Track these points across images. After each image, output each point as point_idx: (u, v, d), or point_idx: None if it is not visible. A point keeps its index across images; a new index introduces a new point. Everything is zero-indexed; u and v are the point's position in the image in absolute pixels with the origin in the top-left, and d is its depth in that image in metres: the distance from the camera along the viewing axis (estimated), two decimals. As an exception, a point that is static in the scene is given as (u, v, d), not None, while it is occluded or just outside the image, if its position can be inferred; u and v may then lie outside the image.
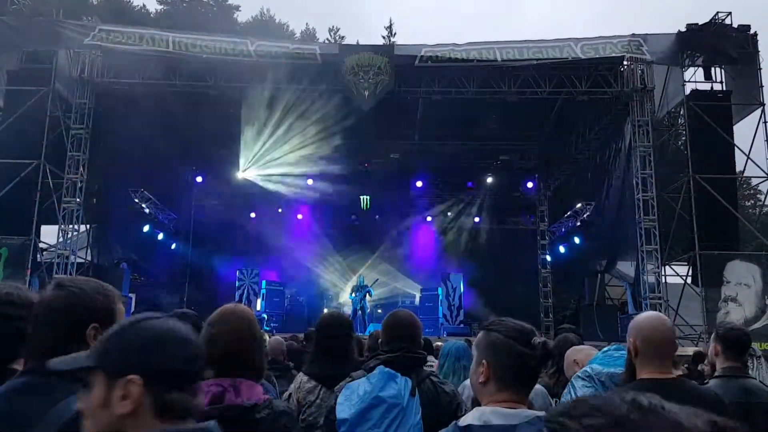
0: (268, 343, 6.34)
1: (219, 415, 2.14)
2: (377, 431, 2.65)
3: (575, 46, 15.37)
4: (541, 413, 1.86)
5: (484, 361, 1.92)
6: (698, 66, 16.20)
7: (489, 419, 1.79)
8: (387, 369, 2.84)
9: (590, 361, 3.34)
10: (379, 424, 2.66)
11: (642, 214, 15.57)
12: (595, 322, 16.09)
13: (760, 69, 15.58)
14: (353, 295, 18.84)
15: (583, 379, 3.12)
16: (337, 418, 2.71)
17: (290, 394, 3.51)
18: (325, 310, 20.13)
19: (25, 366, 1.88)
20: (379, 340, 3.32)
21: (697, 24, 15.59)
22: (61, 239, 15.32)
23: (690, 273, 15.71)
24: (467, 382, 3.38)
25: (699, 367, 7.93)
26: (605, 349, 3.42)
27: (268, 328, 17.02)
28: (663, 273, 15.65)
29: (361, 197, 22.19)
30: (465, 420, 1.83)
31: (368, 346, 5.99)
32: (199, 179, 21.38)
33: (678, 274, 16.13)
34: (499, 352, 1.91)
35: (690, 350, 11.05)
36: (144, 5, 40.87)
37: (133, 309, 18.13)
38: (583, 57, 15.36)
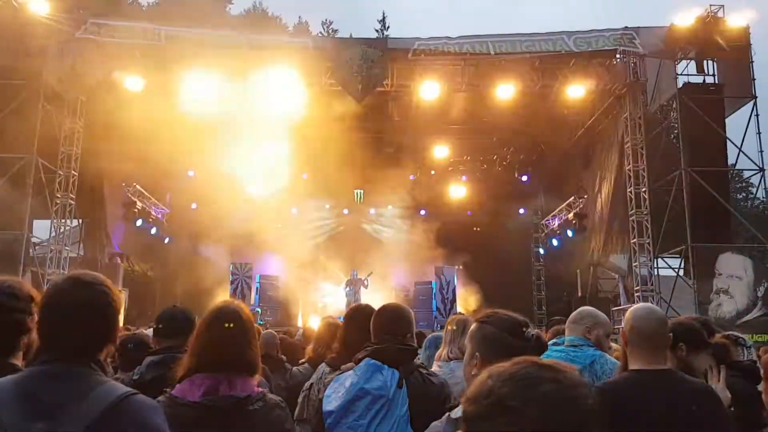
0: (261, 337, 6.33)
1: (212, 405, 2.16)
2: (362, 422, 2.65)
3: (568, 39, 15.37)
4: None
5: (477, 353, 1.92)
6: (690, 59, 16.23)
7: None
8: (373, 361, 2.83)
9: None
10: (364, 415, 2.67)
11: (634, 207, 15.64)
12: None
13: (752, 62, 15.61)
14: (347, 288, 18.86)
15: None
16: (324, 410, 2.72)
17: (312, 384, 3.51)
18: (318, 303, 20.18)
19: (31, 358, 1.94)
20: (371, 332, 3.32)
21: (689, 17, 15.59)
22: (53, 234, 15.27)
23: (682, 265, 15.79)
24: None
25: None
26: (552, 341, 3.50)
27: (262, 322, 17.03)
28: (655, 266, 15.72)
29: (355, 191, 22.18)
30: (458, 412, 1.83)
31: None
32: (191, 173, 21.28)
33: (670, 267, 16.21)
34: (491, 345, 1.91)
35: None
36: (136, -2, 40.52)
37: (126, 304, 18.12)
38: (575, 50, 15.36)
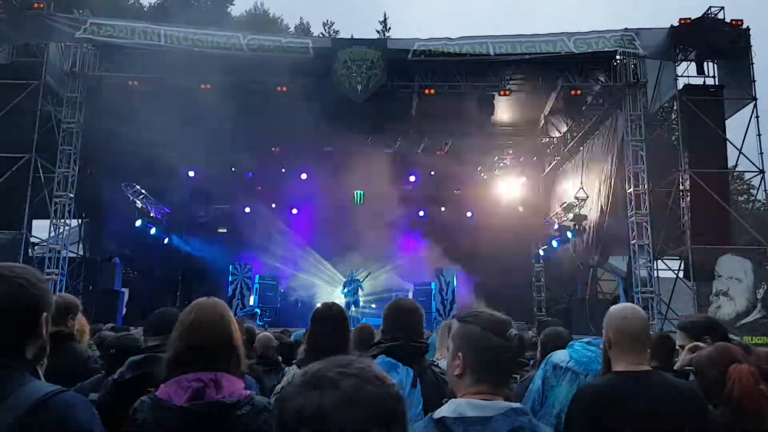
0: (258, 339, 6.33)
1: (198, 411, 2.12)
2: None
3: (568, 40, 15.36)
4: (517, 405, 1.84)
5: (459, 353, 1.90)
6: (691, 60, 16.21)
7: (463, 411, 1.77)
8: (388, 359, 2.77)
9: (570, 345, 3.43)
10: None
11: (634, 209, 15.59)
12: (587, 317, 16.10)
13: (752, 63, 15.60)
14: (345, 289, 18.82)
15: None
16: None
17: (282, 388, 3.44)
18: (318, 304, 20.17)
19: None
20: (381, 329, 3.25)
21: (689, 19, 15.57)
22: (52, 234, 15.24)
23: (682, 267, 15.75)
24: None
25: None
26: (580, 341, 3.48)
27: (261, 323, 17.02)
28: (655, 267, 15.68)
29: (355, 192, 22.15)
30: (439, 412, 1.81)
31: (355, 340, 5.92)
32: (191, 174, 21.29)
33: (670, 269, 16.17)
34: (474, 344, 1.88)
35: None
36: (137, -1, 40.60)
37: (125, 304, 18.12)
38: (576, 51, 15.36)
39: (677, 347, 3.49)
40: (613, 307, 2.77)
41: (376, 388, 1.03)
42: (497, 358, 1.87)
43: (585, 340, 3.57)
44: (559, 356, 3.43)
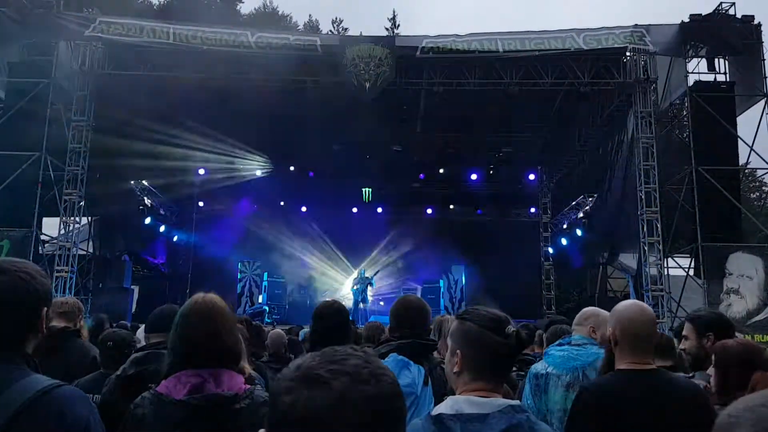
0: (269, 336, 6.35)
1: (197, 404, 2.12)
2: None
3: (577, 36, 15.27)
4: (515, 402, 1.84)
5: (458, 350, 1.90)
6: (701, 57, 16.08)
7: (461, 408, 1.77)
8: (401, 357, 2.78)
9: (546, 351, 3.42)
10: None
11: (644, 206, 15.49)
12: (596, 315, 16.01)
13: (763, 60, 15.45)
14: (354, 287, 18.83)
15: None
16: None
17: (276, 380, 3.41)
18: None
19: None
20: (388, 327, 3.23)
21: (700, 14, 15.46)
22: (62, 231, 15.33)
23: (692, 265, 15.64)
24: None
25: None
26: (554, 344, 3.47)
27: (269, 320, 17.07)
28: (665, 265, 15.58)
29: (363, 189, 22.16)
30: (437, 409, 1.81)
31: (365, 338, 5.95)
32: (201, 171, 21.38)
33: (680, 266, 16.07)
34: (472, 342, 1.88)
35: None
36: (147, -3, 40.76)
37: (136, 301, 18.21)
38: (585, 48, 15.26)
39: (682, 336, 3.48)
40: (619, 304, 2.73)
41: (370, 388, 0.97)
42: (495, 356, 1.87)
43: (558, 341, 3.58)
44: (538, 366, 3.44)
